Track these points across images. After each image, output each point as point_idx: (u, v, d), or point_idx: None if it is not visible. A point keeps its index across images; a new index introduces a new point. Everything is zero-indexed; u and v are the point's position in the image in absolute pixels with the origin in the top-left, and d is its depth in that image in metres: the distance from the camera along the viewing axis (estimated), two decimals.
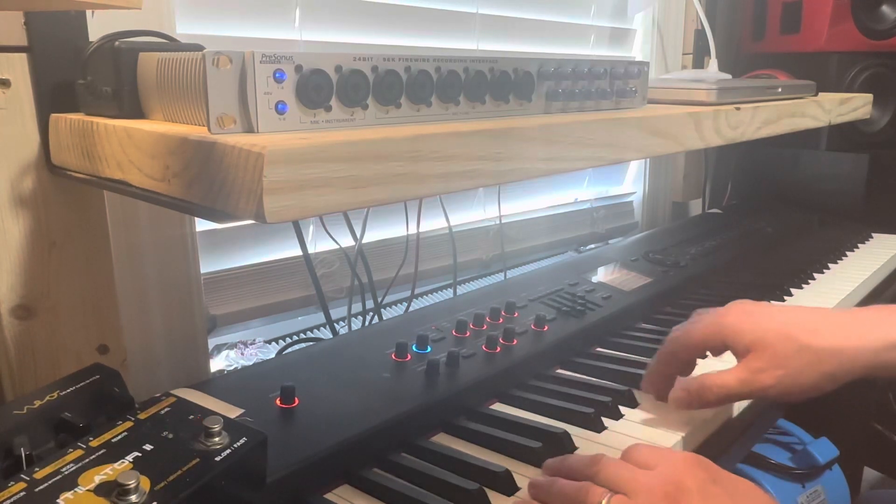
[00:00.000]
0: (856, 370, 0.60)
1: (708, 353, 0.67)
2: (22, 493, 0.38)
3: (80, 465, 0.41)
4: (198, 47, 0.52)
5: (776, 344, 0.60)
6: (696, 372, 0.66)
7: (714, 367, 0.64)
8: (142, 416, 0.47)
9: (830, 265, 1.14)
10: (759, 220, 1.36)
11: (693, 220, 1.42)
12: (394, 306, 0.99)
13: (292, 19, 0.85)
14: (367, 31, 0.92)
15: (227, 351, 0.83)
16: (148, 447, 0.43)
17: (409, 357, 0.70)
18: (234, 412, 0.57)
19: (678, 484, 0.48)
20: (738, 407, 0.69)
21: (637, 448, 0.53)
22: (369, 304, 0.93)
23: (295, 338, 0.90)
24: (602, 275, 0.98)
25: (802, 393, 0.60)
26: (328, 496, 0.54)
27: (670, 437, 0.62)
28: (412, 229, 0.95)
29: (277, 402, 0.60)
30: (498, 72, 0.56)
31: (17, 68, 0.57)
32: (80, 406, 0.48)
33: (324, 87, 0.44)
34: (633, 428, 0.63)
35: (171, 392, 0.54)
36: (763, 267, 1.13)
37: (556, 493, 0.52)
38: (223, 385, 0.63)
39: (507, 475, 0.55)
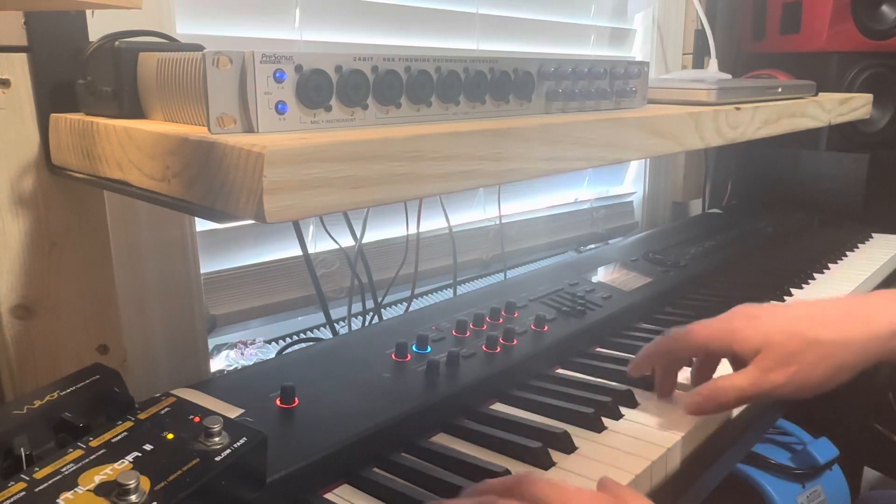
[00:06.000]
0: (866, 359, 0.60)
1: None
2: (22, 493, 0.38)
3: (80, 465, 0.41)
4: (198, 47, 0.52)
5: (785, 342, 0.60)
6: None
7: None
8: (142, 416, 0.47)
9: (830, 265, 1.14)
10: (759, 220, 1.36)
11: (693, 220, 1.42)
12: (394, 306, 0.99)
13: (292, 19, 0.85)
14: (367, 31, 0.92)
15: (227, 351, 0.83)
16: (148, 447, 0.43)
17: (409, 357, 0.70)
18: (234, 412, 0.57)
19: None
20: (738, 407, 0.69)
21: (535, 484, 0.48)
22: (369, 304, 0.93)
23: (295, 338, 0.90)
24: (602, 275, 0.98)
25: (815, 388, 0.60)
26: (328, 496, 0.54)
27: (670, 437, 0.62)
28: (412, 229, 0.95)
29: (277, 402, 0.60)
30: (498, 72, 0.56)
31: (17, 68, 0.57)
32: (80, 406, 0.48)
33: (324, 87, 0.44)
34: (633, 428, 0.63)
35: (171, 392, 0.54)
36: (763, 267, 1.13)
37: None
38: (223, 385, 0.63)
39: (507, 475, 0.55)
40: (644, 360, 0.69)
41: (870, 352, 0.60)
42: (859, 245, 1.29)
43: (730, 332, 0.63)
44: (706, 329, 0.65)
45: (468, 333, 0.75)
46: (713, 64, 1.13)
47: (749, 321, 0.63)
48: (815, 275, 1.09)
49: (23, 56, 0.58)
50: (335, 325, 0.90)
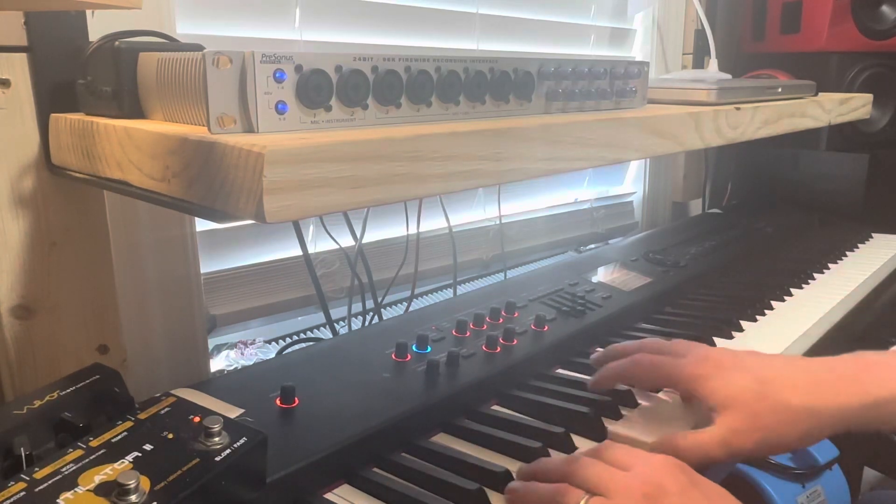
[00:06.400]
0: (835, 429, 0.58)
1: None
2: (22, 493, 0.38)
3: (80, 465, 0.41)
4: (198, 47, 0.52)
5: (752, 403, 0.58)
6: None
7: None
8: (142, 416, 0.47)
9: (830, 265, 1.14)
10: (759, 220, 1.36)
11: (693, 220, 1.42)
12: (394, 306, 0.99)
13: (292, 19, 0.85)
14: (367, 31, 0.92)
15: (227, 351, 0.83)
16: (148, 447, 0.44)
17: (409, 357, 0.70)
18: (234, 412, 0.57)
19: (658, 485, 0.47)
20: None
21: (611, 447, 0.52)
22: (369, 304, 0.93)
23: (295, 338, 0.90)
24: (602, 275, 0.98)
25: (782, 450, 0.59)
26: (328, 496, 0.54)
27: None
28: (412, 229, 0.95)
29: (277, 402, 0.60)
30: (498, 72, 0.56)
31: (17, 68, 0.57)
32: (80, 406, 0.48)
33: (324, 87, 0.44)
34: (632, 428, 0.63)
35: (171, 392, 0.54)
36: (763, 267, 1.13)
37: (533, 496, 0.51)
38: (223, 385, 0.63)
39: (507, 475, 0.55)
40: (604, 381, 0.68)
41: (839, 422, 0.58)
42: (859, 245, 1.29)
43: (698, 378, 0.61)
44: (666, 369, 0.63)
45: (468, 333, 0.75)
46: (713, 64, 1.13)
47: (714, 370, 0.61)
48: (815, 275, 1.09)
49: (23, 56, 0.58)
50: (335, 325, 0.90)
